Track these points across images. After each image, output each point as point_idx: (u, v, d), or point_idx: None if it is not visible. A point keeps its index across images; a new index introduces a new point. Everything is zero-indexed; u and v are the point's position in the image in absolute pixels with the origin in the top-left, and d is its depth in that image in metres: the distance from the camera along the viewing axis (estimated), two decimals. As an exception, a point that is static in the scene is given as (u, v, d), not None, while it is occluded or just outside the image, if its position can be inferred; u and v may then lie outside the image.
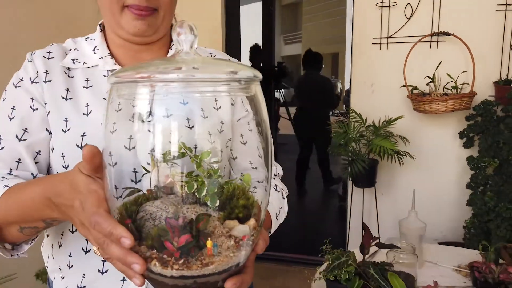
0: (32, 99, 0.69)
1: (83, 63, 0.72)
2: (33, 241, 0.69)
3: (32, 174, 0.68)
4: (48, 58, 0.72)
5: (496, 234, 1.89)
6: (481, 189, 2.06)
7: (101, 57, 0.73)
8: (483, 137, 2.05)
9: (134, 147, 0.46)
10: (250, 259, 0.48)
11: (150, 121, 0.43)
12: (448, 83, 2.07)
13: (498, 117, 2.04)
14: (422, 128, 2.26)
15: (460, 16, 2.12)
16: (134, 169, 0.47)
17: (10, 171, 0.67)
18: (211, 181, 0.44)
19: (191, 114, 0.48)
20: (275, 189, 0.78)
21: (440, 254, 1.36)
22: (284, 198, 0.80)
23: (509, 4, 2.06)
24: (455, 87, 2.05)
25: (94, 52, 0.74)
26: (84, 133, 0.67)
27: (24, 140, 0.67)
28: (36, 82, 0.70)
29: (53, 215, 0.56)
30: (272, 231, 0.73)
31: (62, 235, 0.70)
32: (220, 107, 0.67)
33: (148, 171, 0.45)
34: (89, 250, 0.68)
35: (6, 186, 0.61)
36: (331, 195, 4.18)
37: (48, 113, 0.68)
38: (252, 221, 0.46)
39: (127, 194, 0.47)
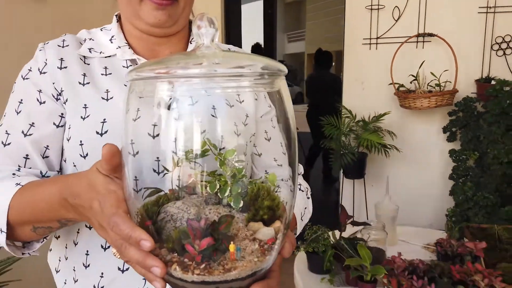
0: (39, 91, 0.66)
1: (100, 52, 0.70)
2: (44, 239, 0.67)
3: (41, 172, 0.66)
4: (63, 47, 0.70)
5: (474, 221, 2.04)
6: (462, 180, 2.20)
7: (119, 47, 0.70)
8: (464, 131, 2.20)
9: (157, 135, 0.44)
10: (276, 263, 0.45)
11: (175, 119, 0.43)
12: (431, 80, 2.22)
13: (478, 112, 2.18)
14: (409, 124, 2.41)
15: (444, 18, 2.26)
16: (157, 157, 0.46)
17: (19, 168, 0.65)
18: (234, 181, 0.42)
19: (216, 107, 0.46)
20: (300, 189, 0.76)
21: (413, 235, 1.52)
22: (308, 198, 0.78)
23: (490, 7, 2.20)
24: (438, 85, 2.19)
25: (111, 42, 0.71)
26: (104, 119, 0.64)
27: (30, 135, 0.65)
28: (44, 72, 0.67)
29: (68, 216, 0.54)
30: (297, 233, 0.72)
31: (78, 232, 0.67)
32: (243, 101, 0.65)
33: (168, 171, 0.43)
34: (109, 247, 0.65)
35: (18, 184, 0.60)
36: (330, 189, 4.34)
37: (66, 100, 0.66)
38: (277, 224, 0.44)
39: (148, 194, 0.45)
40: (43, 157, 0.66)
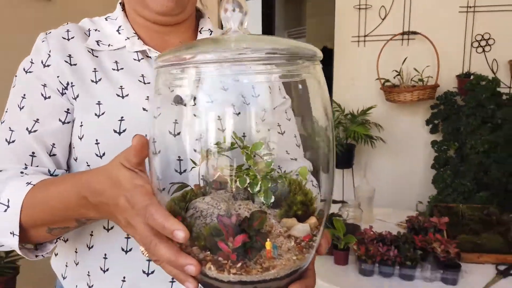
0: (44, 86, 0.63)
1: (108, 45, 0.67)
2: (58, 239, 0.63)
3: (49, 170, 0.63)
4: (68, 39, 0.66)
5: (453, 207, 2.20)
6: (443, 169, 2.36)
7: (128, 38, 0.67)
8: (445, 123, 2.35)
9: (179, 133, 0.42)
10: (311, 262, 0.43)
11: (200, 111, 0.41)
12: (415, 76, 2.37)
13: (459, 106, 2.33)
14: (395, 117, 2.56)
15: (428, 17, 2.41)
16: (179, 157, 0.44)
17: (26, 167, 0.61)
18: (264, 175, 0.41)
19: (244, 100, 0.44)
20: (312, 185, 0.82)
21: (390, 215, 1.68)
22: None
23: (470, 7, 2.35)
24: (421, 80, 2.34)
25: (119, 33, 0.68)
26: (122, 117, 0.61)
27: (35, 131, 0.62)
28: (47, 65, 0.63)
29: (88, 215, 0.52)
30: None
31: (92, 235, 0.63)
32: (259, 95, 0.66)
33: (196, 164, 0.42)
34: (130, 249, 0.61)
35: (30, 184, 0.56)
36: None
37: (77, 96, 0.63)
38: (313, 220, 0.42)
39: (175, 190, 0.44)
40: (49, 155, 0.63)
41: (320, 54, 0.42)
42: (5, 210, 0.56)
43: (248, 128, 0.44)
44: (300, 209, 0.42)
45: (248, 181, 0.41)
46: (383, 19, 2.48)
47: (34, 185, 0.56)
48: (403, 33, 2.43)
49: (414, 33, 2.40)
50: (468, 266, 1.23)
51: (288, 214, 0.42)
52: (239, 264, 0.38)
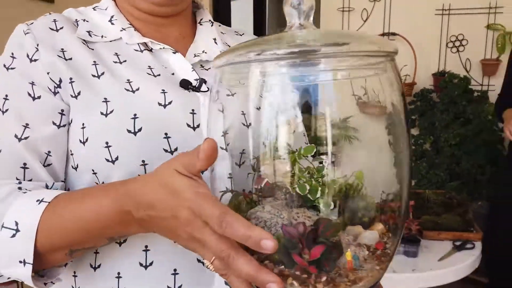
0: (32, 84, 0.54)
1: (102, 36, 0.59)
2: (70, 261, 0.55)
3: (46, 184, 0.53)
4: (57, 30, 0.58)
5: (428, 196, 2.37)
6: (420, 161, 2.53)
7: (123, 29, 0.60)
8: (421, 119, 2.52)
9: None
10: None
11: (266, 111, 0.39)
12: (394, 74, 2.53)
13: (434, 102, 2.50)
14: (376, 112, 2.72)
15: (406, 20, 2.57)
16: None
17: (19, 181, 0.52)
18: (321, 180, 0.39)
19: (312, 101, 0.41)
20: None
21: (365, 201, 1.84)
22: None
23: (445, 9, 2.52)
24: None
25: (112, 23, 0.60)
26: (135, 114, 0.53)
27: (26, 138, 0.53)
28: (34, 60, 0.55)
29: (126, 232, 0.47)
30: None
31: (97, 252, 0.54)
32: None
33: (254, 170, 0.40)
34: (151, 264, 0.53)
35: (42, 201, 0.48)
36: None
37: (78, 94, 0.54)
38: (379, 226, 0.40)
39: (231, 199, 0.41)
40: (44, 166, 0.54)
41: (396, 50, 0.40)
42: (13, 235, 0.48)
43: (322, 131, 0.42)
44: (365, 215, 0.40)
45: (308, 187, 0.38)
46: (365, 21, 2.64)
47: (48, 202, 0.48)
48: (383, 34, 2.59)
49: (394, 34, 2.56)
50: (428, 242, 1.40)
51: (353, 221, 0.40)
52: (324, 278, 0.35)
